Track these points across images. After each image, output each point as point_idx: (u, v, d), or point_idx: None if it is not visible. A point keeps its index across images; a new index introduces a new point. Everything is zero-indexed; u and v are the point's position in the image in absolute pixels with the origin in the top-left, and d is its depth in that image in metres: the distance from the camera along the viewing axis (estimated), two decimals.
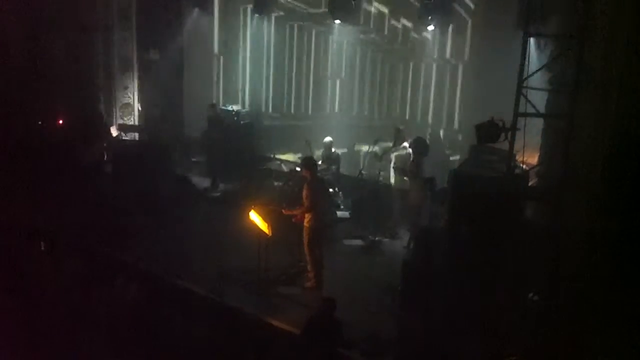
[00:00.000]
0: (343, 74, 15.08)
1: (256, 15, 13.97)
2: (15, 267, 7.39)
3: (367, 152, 10.72)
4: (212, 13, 14.34)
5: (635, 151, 6.01)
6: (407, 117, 14.57)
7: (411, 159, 10.01)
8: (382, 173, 10.38)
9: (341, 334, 6.51)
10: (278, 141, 13.49)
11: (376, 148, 10.47)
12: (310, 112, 15.52)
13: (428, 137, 11.30)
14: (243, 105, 14.55)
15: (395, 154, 10.47)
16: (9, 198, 10.09)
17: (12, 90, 12.30)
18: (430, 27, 11.16)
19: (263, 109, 14.83)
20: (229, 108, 13.37)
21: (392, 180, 10.38)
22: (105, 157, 11.85)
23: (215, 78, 15.17)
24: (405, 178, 10.03)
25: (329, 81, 15.21)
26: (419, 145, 9.99)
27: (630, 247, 5.86)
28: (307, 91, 15.46)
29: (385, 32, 14.25)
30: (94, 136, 11.47)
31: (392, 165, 10.41)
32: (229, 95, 14.87)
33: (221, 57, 15.04)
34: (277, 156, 12.43)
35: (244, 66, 14.94)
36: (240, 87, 14.95)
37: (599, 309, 6.15)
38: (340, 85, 15.31)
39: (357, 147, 12.85)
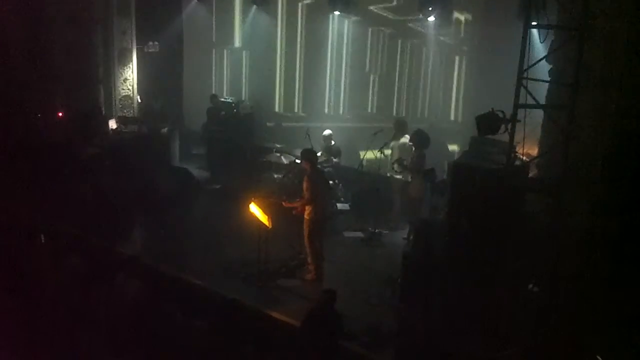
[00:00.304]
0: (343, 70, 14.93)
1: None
2: (15, 265, 7.39)
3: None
4: (212, 6, 14.24)
5: (636, 150, 5.99)
6: (407, 111, 14.52)
7: (412, 151, 10.00)
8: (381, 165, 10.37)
9: (341, 325, 6.51)
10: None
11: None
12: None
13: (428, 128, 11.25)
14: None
15: (394, 145, 10.45)
16: (7, 193, 10.09)
17: (11, 83, 12.27)
18: (431, 18, 11.05)
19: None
20: (229, 99, 13.34)
21: (392, 172, 10.36)
22: (105, 149, 11.81)
23: (214, 70, 15.11)
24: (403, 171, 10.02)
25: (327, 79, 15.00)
26: (420, 138, 9.96)
27: (630, 246, 5.86)
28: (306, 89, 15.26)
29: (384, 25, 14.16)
30: (93, 129, 11.43)
31: (390, 157, 10.38)
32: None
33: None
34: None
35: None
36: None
37: (599, 308, 6.15)
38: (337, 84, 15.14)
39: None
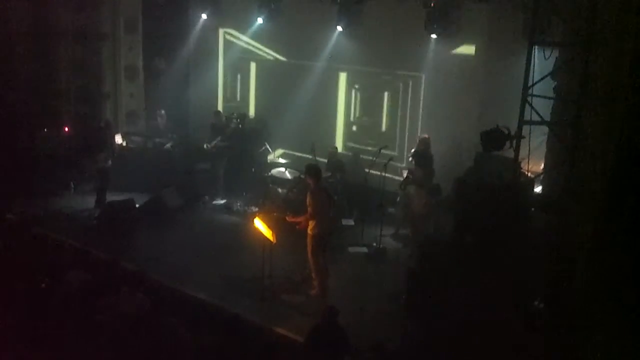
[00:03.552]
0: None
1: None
2: (17, 277, 7.40)
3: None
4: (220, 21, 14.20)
5: None
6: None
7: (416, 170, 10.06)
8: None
9: (347, 341, 6.47)
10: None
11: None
12: None
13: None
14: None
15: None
16: (13, 205, 10.13)
17: (19, 98, 12.38)
18: (434, 36, 11.07)
19: None
20: (234, 115, 13.39)
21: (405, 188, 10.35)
22: (111, 164, 11.86)
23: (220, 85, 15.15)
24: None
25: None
26: (421, 154, 10.02)
27: (636, 258, 5.82)
28: None
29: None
30: (99, 144, 11.51)
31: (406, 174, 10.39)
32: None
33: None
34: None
35: None
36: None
37: (605, 320, 6.10)
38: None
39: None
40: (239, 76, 15.15)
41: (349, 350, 6.52)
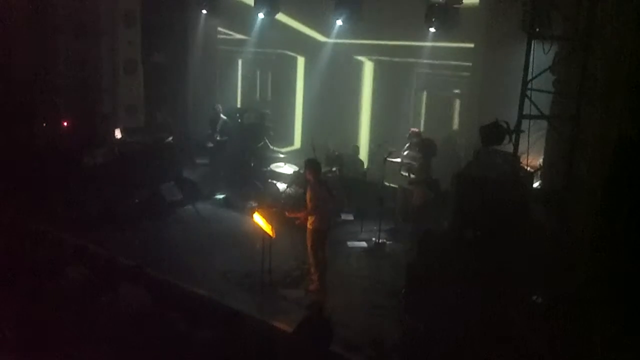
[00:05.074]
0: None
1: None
2: (18, 273, 7.41)
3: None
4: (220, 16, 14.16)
5: None
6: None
7: (419, 160, 10.05)
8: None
9: (331, 331, 6.44)
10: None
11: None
12: None
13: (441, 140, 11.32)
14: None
15: (405, 154, 10.51)
16: (12, 201, 10.13)
17: (18, 92, 12.36)
18: (432, 29, 11.01)
19: None
20: (233, 109, 13.39)
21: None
22: (110, 159, 11.85)
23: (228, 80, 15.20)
24: (411, 175, 10.07)
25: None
26: (428, 147, 10.01)
27: (636, 253, 5.82)
28: None
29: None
30: (98, 139, 11.50)
31: (400, 166, 10.41)
32: None
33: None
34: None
35: None
36: None
37: (604, 314, 6.11)
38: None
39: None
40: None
41: (332, 339, 6.49)
